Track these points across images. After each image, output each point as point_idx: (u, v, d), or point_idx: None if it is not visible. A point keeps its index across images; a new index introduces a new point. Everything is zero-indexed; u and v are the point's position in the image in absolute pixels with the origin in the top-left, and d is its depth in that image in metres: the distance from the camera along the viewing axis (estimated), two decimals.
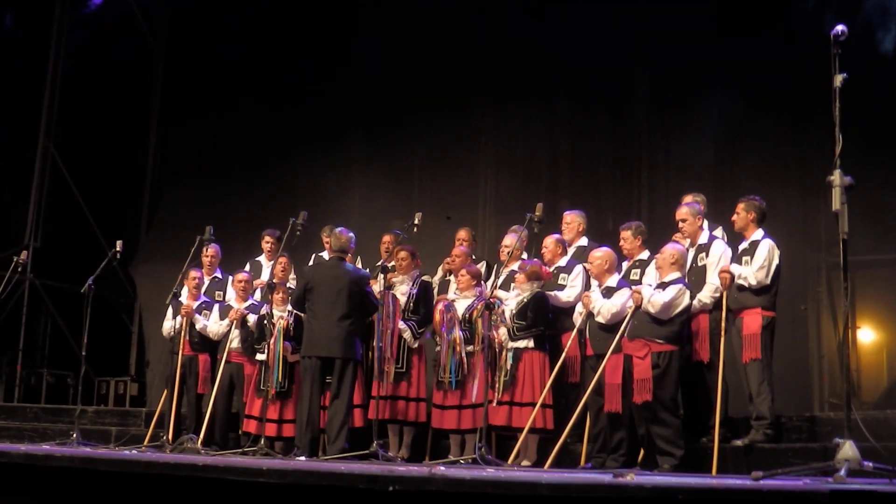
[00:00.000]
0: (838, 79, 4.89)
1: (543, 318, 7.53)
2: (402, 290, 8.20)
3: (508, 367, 7.42)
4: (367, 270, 8.21)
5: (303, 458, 7.31)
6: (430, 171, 11.48)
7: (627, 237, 7.64)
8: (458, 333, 7.74)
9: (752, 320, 6.94)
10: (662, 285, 6.87)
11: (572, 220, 8.26)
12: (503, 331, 7.50)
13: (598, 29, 10.42)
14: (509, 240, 8.23)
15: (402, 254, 8.29)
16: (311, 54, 12.22)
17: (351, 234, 8.02)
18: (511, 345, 7.47)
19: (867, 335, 9.65)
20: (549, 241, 8.06)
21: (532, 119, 11.03)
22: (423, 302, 8.21)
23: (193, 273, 9.18)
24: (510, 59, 11.05)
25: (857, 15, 8.46)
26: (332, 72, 12.06)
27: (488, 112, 11.30)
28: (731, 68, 9.61)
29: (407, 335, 8.05)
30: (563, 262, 7.96)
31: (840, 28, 4.97)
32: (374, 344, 7.85)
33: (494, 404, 7.33)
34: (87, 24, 13.56)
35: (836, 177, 4.67)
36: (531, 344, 7.45)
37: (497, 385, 7.39)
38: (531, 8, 10.90)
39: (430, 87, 11.31)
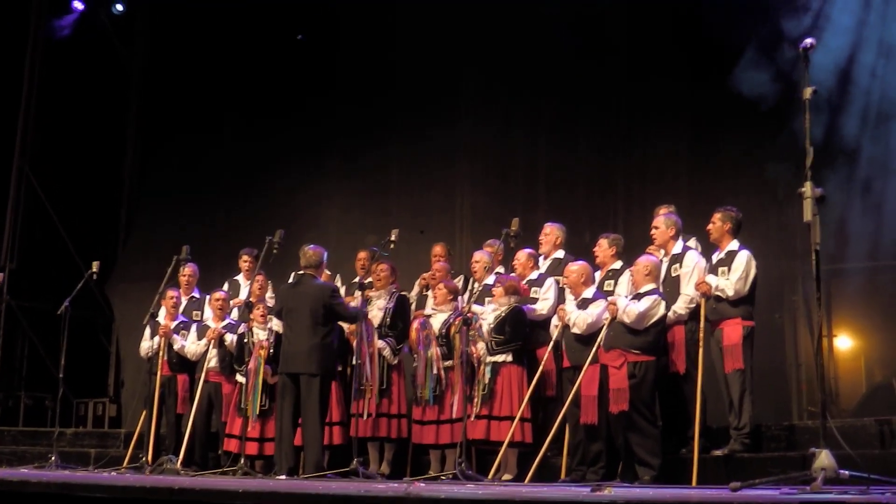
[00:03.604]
0: (808, 91, 4.91)
1: (521, 333, 7.53)
2: (380, 305, 8.18)
3: (486, 381, 7.41)
4: (334, 283, 8.16)
5: (283, 476, 7.28)
6: (406, 188, 11.46)
7: (603, 245, 7.65)
8: (434, 350, 7.74)
9: (733, 331, 6.95)
10: (637, 296, 6.89)
11: (551, 231, 8.22)
12: (481, 345, 7.50)
13: (576, 42, 10.46)
14: (479, 255, 8.21)
15: (382, 266, 8.27)
16: (288, 71, 12.21)
17: (320, 250, 7.92)
18: (489, 359, 7.46)
19: (845, 342, 9.68)
20: (522, 255, 8.04)
21: (508, 134, 11.02)
22: (400, 316, 8.21)
23: (171, 293, 9.13)
24: (487, 74, 11.08)
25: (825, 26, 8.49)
26: (309, 89, 12.05)
27: (464, 127, 11.29)
28: (705, 80, 9.65)
29: (387, 353, 8.04)
30: (534, 275, 7.95)
31: (809, 41, 5.00)
32: (354, 361, 7.81)
33: (472, 418, 7.33)
34: (63, 44, 13.48)
35: (808, 188, 4.69)
36: (509, 358, 7.45)
37: (475, 399, 7.39)
38: (509, 22, 10.91)
39: (407, 103, 11.32)
